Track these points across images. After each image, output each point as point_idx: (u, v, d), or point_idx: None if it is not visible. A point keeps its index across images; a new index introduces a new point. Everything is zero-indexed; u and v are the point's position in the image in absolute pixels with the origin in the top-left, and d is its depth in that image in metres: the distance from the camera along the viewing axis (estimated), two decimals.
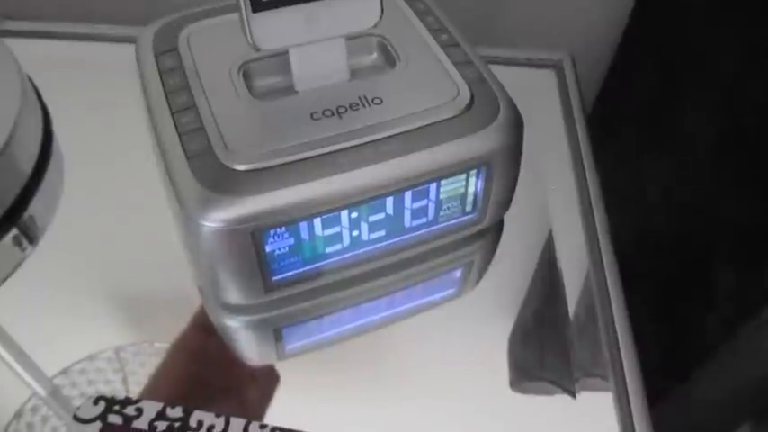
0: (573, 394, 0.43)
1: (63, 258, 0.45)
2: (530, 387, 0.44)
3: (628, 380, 0.43)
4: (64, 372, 0.44)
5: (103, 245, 0.48)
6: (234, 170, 0.33)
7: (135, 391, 0.42)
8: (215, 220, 0.32)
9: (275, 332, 0.41)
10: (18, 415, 0.43)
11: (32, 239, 0.45)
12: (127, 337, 0.44)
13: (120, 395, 0.35)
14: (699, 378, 0.52)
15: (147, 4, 0.66)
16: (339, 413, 0.39)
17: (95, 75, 0.58)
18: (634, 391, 0.42)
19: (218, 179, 0.33)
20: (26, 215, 0.44)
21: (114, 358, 0.45)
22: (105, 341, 0.43)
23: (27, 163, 0.44)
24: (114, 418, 0.32)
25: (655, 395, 0.45)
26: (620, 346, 0.44)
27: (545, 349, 0.46)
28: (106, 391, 0.42)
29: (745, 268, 0.49)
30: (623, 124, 0.71)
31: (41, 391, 0.43)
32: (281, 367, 0.40)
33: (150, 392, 0.38)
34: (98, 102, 0.55)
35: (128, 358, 0.45)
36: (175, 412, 0.32)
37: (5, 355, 0.43)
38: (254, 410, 0.37)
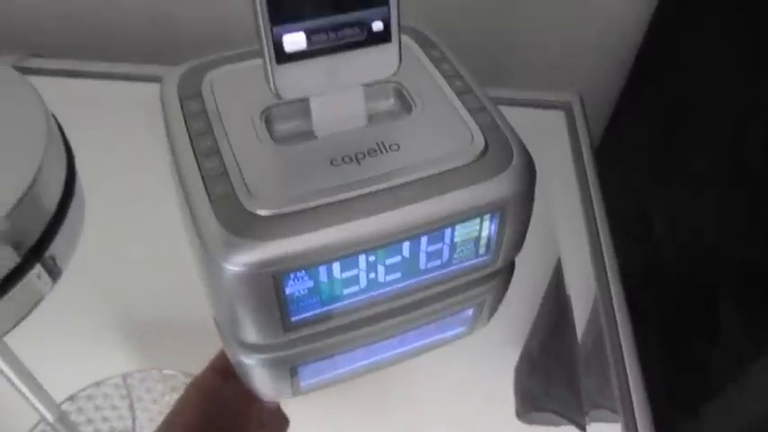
0: (583, 428, 0.43)
1: (75, 288, 0.46)
2: (538, 420, 0.44)
3: (637, 415, 0.44)
4: (71, 398, 0.45)
5: (115, 277, 0.49)
6: (256, 215, 0.34)
7: (141, 417, 0.43)
8: (238, 263, 0.33)
9: (291, 370, 0.42)
10: None
11: (54, 276, 0.46)
12: (134, 363, 0.45)
13: (127, 421, 0.36)
14: (707, 415, 0.52)
15: (164, 45, 0.68)
16: None
17: (116, 112, 0.59)
18: (643, 425, 0.43)
19: (241, 223, 0.34)
20: (48, 253, 0.45)
21: (121, 384, 0.46)
22: (113, 368, 0.44)
23: (50, 202, 0.46)
24: None
25: (662, 428, 0.45)
26: (630, 380, 0.45)
27: (555, 384, 0.47)
28: (113, 417, 0.43)
29: (751, 306, 0.49)
30: (630, 161, 0.72)
31: (49, 417, 0.44)
32: (294, 402, 0.41)
33: (167, 428, 0.38)
34: (118, 140, 0.57)
35: (134, 384, 0.45)
36: None
37: (15, 380, 0.44)
38: None
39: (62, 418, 0.45)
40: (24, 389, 0.44)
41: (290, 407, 0.41)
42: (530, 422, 0.43)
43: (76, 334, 0.46)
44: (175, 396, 0.41)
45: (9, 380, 0.44)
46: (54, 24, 0.70)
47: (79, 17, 0.70)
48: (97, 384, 0.45)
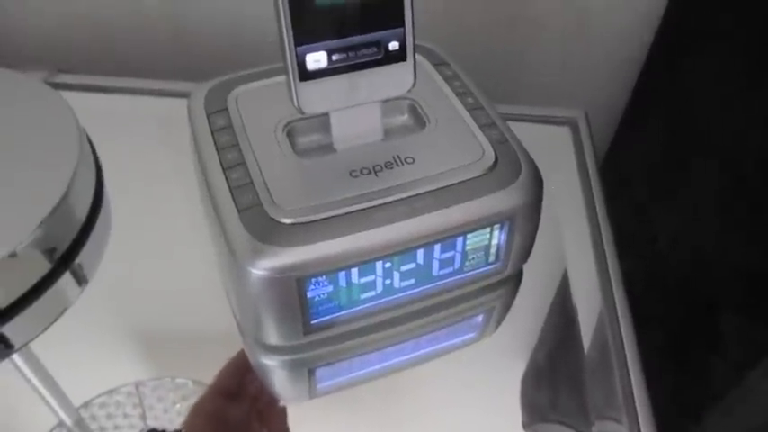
0: None
1: (93, 297, 0.48)
2: (544, 429, 0.46)
3: (641, 422, 0.45)
4: (85, 405, 0.45)
5: (132, 286, 0.50)
6: (281, 223, 0.36)
7: (152, 426, 0.44)
8: (263, 267, 0.35)
9: (309, 372, 0.43)
10: None
11: (81, 283, 0.48)
12: (147, 371, 0.46)
13: (138, 430, 0.37)
14: (710, 422, 0.53)
15: (188, 61, 0.70)
16: None
17: (140, 126, 0.61)
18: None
19: (266, 231, 0.36)
20: (77, 261, 0.47)
21: (134, 392, 0.47)
22: (126, 375, 0.45)
23: (81, 212, 0.47)
24: None
25: None
26: (634, 388, 0.46)
27: (560, 391, 0.48)
28: (124, 425, 0.44)
29: (752, 314, 0.51)
30: (635, 175, 0.74)
31: (68, 421, 0.45)
32: (302, 414, 0.42)
33: None
34: (142, 152, 0.59)
35: (147, 393, 0.46)
36: None
37: (37, 382, 0.46)
38: None
39: (79, 421, 0.46)
40: (45, 392, 0.45)
41: (299, 419, 0.42)
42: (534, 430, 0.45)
43: (92, 341, 0.47)
44: (186, 405, 0.42)
45: (30, 382, 0.45)
46: (81, 41, 0.72)
47: (105, 35, 0.72)
48: (110, 392, 0.46)
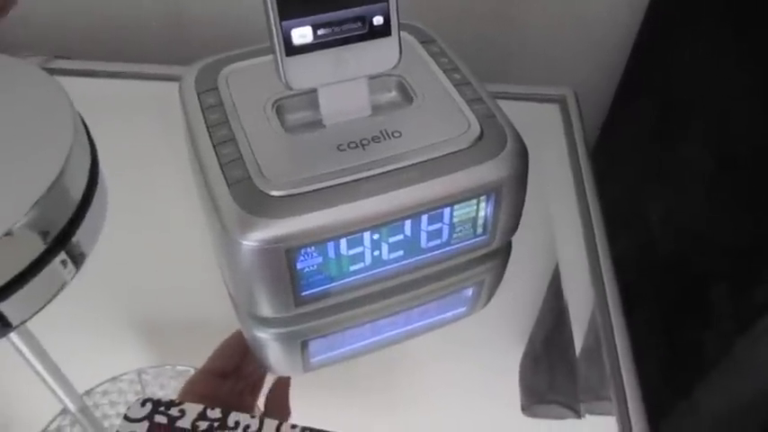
0: (577, 412, 0.45)
1: (93, 283, 0.48)
2: (537, 407, 0.46)
3: (628, 398, 0.45)
4: (87, 393, 0.46)
5: (133, 270, 0.51)
6: (270, 195, 0.37)
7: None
8: (253, 239, 0.36)
9: (302, 344, 0.44)
10: None
11: (77, 263, 0.48)
12: (149, 358, 0.46)
13: None
14: (700, 393, 0.54)
15: (181, 47, 0.71)
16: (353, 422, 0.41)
17: (133, 109, 0.62)
18: (635, 408, 0.45)
19: (256, 204, 0.36)
20: (73, 240, 0.48)
21: (136, 380, 0.47)
22: (128, 363, 0.46)
23: (76, 192, 0.48)
24: (160, 418, 0.34)
25: (658, 412, 0.47)
26: (621, 363, 0.47)
27: (550, 369, 0.49)
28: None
29: (739, 286, 0.52)
30: (625, 154, 0.75)
31: (71, 407, 0.46)
32: (300, 392, 0.42)
33: None
34: (136, 134, 0.59)
35: (149, 380, 0.47)
36: (215, 413, 0.35)
37: (40, 369, 0.46)
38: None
39: (83, 409, 0.47)
40: (49, 379, 0.46)
41: (296, 396, 0.42)
42: (527, 410, 0.45)
43: (93, 328, 0.48)
44: None
45: (35, 370, 0.46)
46: (75, 28, 0.73)
47: (100, 21, 0.73)
48: (113, 380, 0.46)
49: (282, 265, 0.37)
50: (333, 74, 0.38)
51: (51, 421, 0.45)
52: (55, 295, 0.46)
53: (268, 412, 0.40)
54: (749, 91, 0.53)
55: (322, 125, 0.41)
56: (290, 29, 0.36)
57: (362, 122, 0.41)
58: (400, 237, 0.40)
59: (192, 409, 0.35)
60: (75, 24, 0.73)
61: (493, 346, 0.47)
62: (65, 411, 0.46)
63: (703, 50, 0.61)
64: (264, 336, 0.43)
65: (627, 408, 0.45)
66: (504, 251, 0.48)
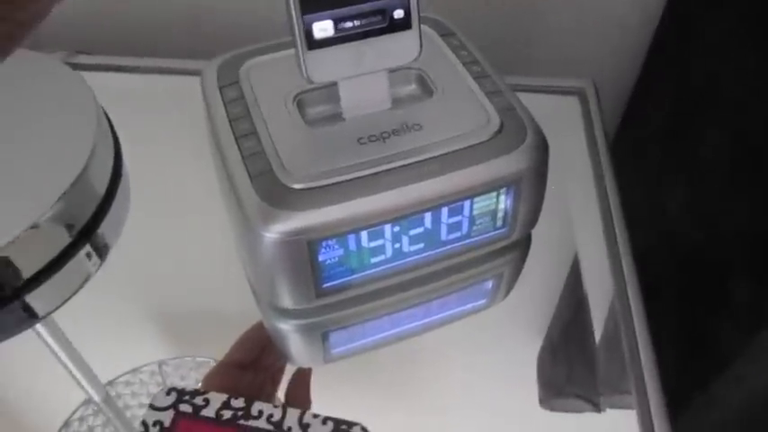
0: (597, 406, 0.45)
1: (116, 275, 0.49)
2: (557, 400, 0.46)
3: (648, 389, 0.45)
4: (110, 383, 0.47)
5: (155, 262, 0.51)
6: (291, 188, 0.37)
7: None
8: (275, 231, 0.36)
9: (323, 335, 0.45)
10: (66, 425, 0.46)
11: (102, 255, 0.49)
12: (170, 350, 0.47)
13: None
14: (718, 386, 0.54)
15: (202, 41, 0.71)
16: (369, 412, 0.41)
17: (155, 103, 0.63)
18: (655, 401, 0.45)
19: (278, 196, 0.37)
20: (98, 233, 0.48)
21: (157, 371, 0.48)
22: (149, 354, 0.47)
23: (100, 185, 0.49)
24: (185, 407, 0.35)
25: (676, 404, 0.47)
26: (641, 355, 0.47)
27: (571, 361, 0.49)
28: (147, 403, 0.45)
29: (759, 278, 0.51)
30: (645, 146, 0.74)
31: (96, 397, 0.47)
32: (320, 383, 0.42)
33: None
34: (159, 128, 0.60)
35: (169, 372, 0.48)
36: (238, 402, 0.35)
37: (66, 360, 0.47)
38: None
39: (107, 398, 0.48)
40: (74, 370, 0.47)
41: (317, 386, 0.42)
42: (545, 403, 0.45)
43: (116, 319, 0.49)
44: None
45: (60, 360, 0.46)
46: (97, 23, 0.74)
47: (122, 16, 0.74)
48: (134, 371, 0.47)
49: (304, 256, 0.38)
50: (353, 67, 0.39)
51: (75, 411, 0.47)
52: (80, 287, 0.47)
53: (289, 403, 0.41)
54: None
55: (342, 118, 0.41)
56: (312, 23, 0.36)
57: (383, 115, 0.41)
58: (420, 229, 0.40)
59: (217, 399, 0.35)
60: (96, 20, 0.73)
61: (512, 338, 0.47)
62: (88, 401, 0.47)
63: (723, 41, 0.61)
64: (286, 327, 0.44)
65: (647, 399, 0.45)
66: (524, 244, 0.48)
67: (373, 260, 0.41)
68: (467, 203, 0.40)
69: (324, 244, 0.38)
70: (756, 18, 0.56)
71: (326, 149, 0.39)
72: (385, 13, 0.37)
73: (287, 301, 0.41)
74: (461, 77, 0.44)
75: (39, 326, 0.46)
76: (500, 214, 0.42)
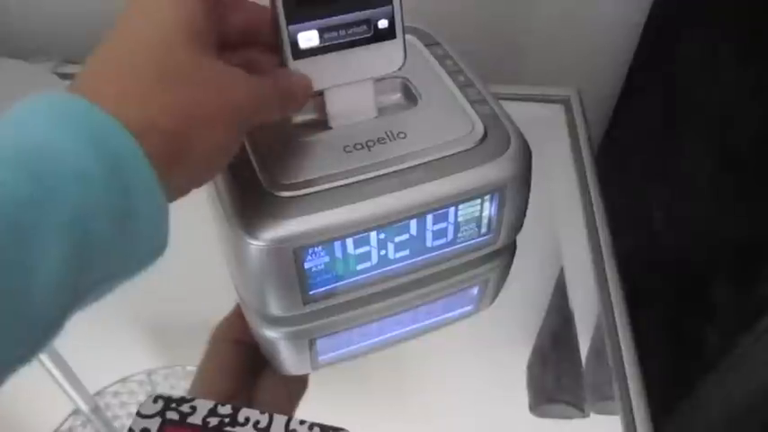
0: (581, 409, 0.46)
1: None
2: (540, 405, 0.47)
3: (632, 392, 0.46)
4: (98, 393, 0.47)
5: (146, 271, 0.51)
6: (277, 196, 0.37)
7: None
8: (261, 239, 0.37)
9: (310, 342, 0.45)
10: None
11: None
12: (159, 360, 0.47)
13: None
14: (703, 390, 0.55)
15: None
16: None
17: None
18: (638, 405, 0.45)
19: (264, 204, 0.37)
20: None
21: (146, 381, 0.48)
22: (138, 364, 0.47)
23: None
24: (172, 415, 0.35)
25: (661, 409, 0.48)
26: (624, 360, 0.47)
27: (555, 365, 0.49)
28: None
29: (741, 283, 0.52)
30: (629, 154, 0.75)
31: (84, 407, 0.47)
32: (313, 388, 0.43)
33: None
34: None
35: (159, 381, 0.48)
36: (225, 409, 0.35)
37: (54, 370, 0.47)
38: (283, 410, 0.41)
39: (95, 409, 0.48)
40: (62, 380, 0.47)
41: (305, 393, 0.43)
42: (533, 408, 0.46)
43: (104, 329, 0.47)
44: None
45: (48, 370, 0.46)
46: (85, 33, 0.74)
47: (108, 26, 0.74)
48: (123, 380, 0.47)
49: (290, 264, 0.38)
50: (339, 76, 0.39)
51: (63, 421, 0.46)
52: None
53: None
54: (752, 90, 0.54)
55: (328, 127, 0.42)
56: (297, 33, 0.37)
57: (368, 124, 0.42)
58: (406, 236, 0.41)
59: (204, 406, 0.35)
60: (84, 29, 0.74)
61: (498, 344, 0.48)
62: (77, 412, 0.47)
63: (707, 51, 0.62)
64: (274, 335, 0.44)
65: (631, 405, 0.45)
66: (509, 250, 0.49)
67: (359, 267, 0.41)
68: (452, 210, 0.41)
69: (310, 251, 0.38)
70: (739, 31, 0.57)
71: (312, 157, 0.40)
72: (370, 23, 0.38)
73: (274, 308, 0.41)
74: (446, 86, 0.45)
75: None
76: (485, 221, 0.43)
